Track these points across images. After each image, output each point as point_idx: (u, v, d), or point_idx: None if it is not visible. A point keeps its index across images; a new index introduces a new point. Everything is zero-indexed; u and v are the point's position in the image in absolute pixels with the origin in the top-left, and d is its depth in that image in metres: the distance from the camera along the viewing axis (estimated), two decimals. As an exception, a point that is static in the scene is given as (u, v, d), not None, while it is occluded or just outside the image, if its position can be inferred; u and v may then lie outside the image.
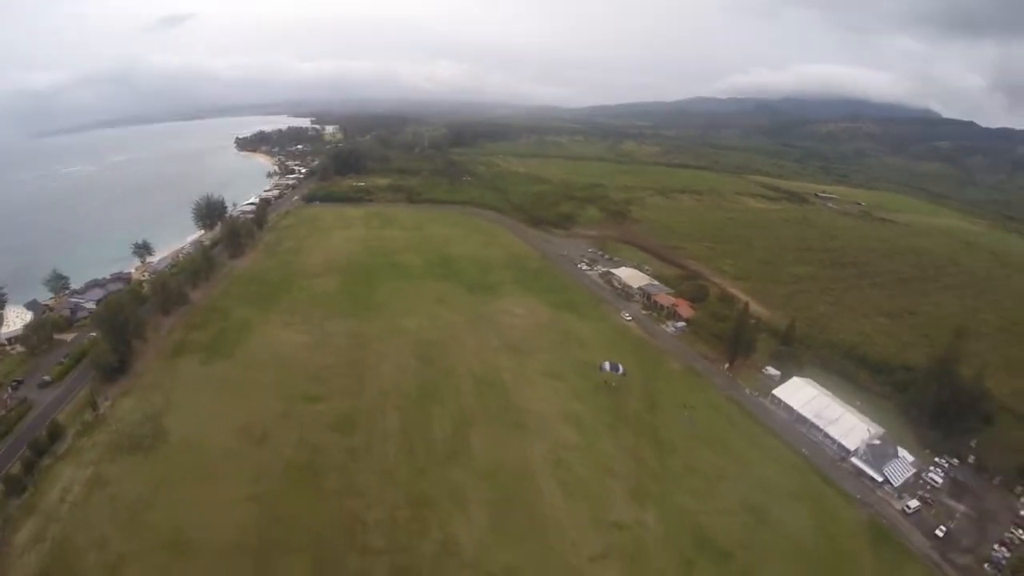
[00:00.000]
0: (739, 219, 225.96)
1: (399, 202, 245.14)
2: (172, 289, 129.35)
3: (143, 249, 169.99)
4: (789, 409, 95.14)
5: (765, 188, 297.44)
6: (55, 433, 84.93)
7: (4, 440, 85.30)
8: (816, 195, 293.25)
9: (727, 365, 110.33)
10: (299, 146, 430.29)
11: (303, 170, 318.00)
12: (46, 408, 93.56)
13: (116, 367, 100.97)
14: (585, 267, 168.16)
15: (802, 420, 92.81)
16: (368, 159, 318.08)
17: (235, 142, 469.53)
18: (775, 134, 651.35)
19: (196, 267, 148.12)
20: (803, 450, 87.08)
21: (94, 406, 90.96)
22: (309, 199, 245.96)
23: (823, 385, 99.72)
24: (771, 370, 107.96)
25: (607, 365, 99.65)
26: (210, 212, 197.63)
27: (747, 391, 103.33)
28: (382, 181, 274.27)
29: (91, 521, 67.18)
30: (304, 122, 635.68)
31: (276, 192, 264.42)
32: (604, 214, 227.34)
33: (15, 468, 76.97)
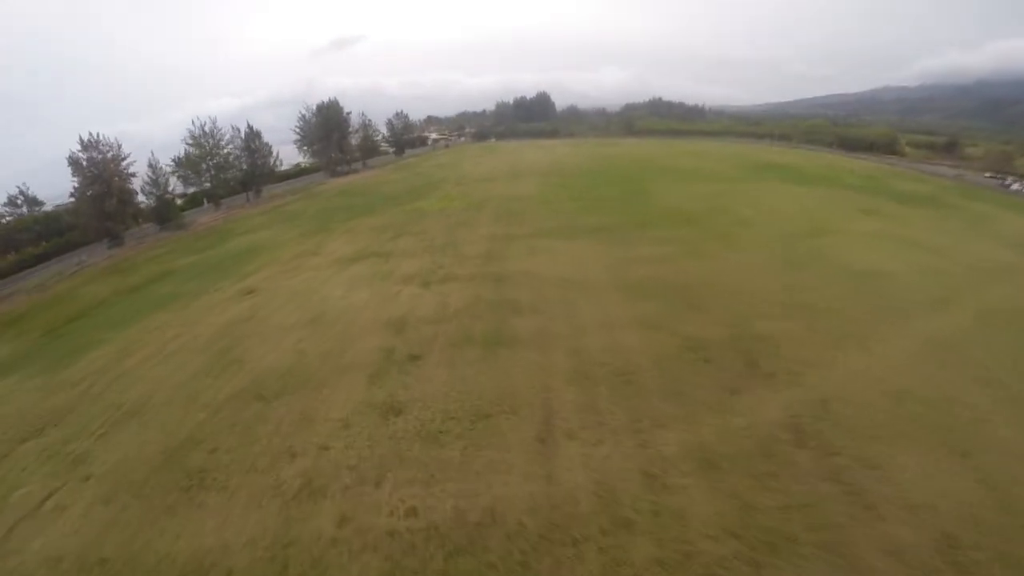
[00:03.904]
0: None
1: (615, 135, 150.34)
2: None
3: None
4: None
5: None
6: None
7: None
8: None
9: None
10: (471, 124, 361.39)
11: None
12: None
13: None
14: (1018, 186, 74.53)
15: None
16: (557, 109, 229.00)
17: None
18: (983, 115, 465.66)
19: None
20: None
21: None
22: (480, 138, 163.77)
23: None
24: None
25: None
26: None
27: None
28: (579, 127, 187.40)
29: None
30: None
31: (436, 136, 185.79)
32: (922, 148, 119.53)
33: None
